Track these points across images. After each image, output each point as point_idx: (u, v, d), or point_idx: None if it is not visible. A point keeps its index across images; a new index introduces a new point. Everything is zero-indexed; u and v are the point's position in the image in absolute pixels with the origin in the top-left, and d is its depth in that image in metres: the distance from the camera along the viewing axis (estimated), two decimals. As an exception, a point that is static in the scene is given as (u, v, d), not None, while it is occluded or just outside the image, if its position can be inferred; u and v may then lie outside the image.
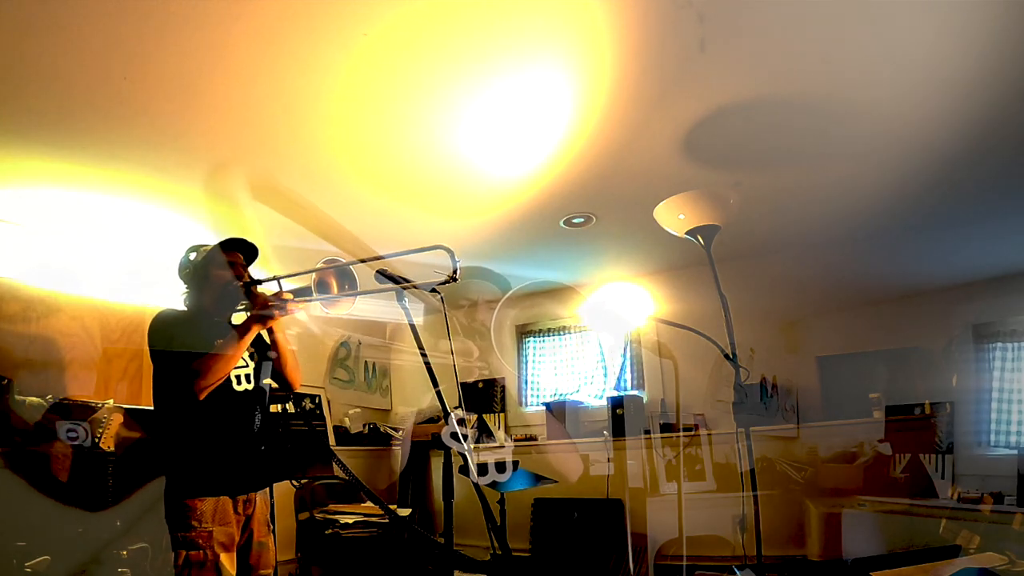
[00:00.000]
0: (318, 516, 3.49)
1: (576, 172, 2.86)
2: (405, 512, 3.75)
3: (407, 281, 1.74)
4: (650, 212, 2.73)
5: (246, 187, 2.48)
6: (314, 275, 1.95)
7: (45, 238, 3.20)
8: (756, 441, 4.17)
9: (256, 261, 2.16)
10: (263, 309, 1.94)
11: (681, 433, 4.18)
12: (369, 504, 3.65)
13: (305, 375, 2.29)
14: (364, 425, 5.01)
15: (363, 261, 1.90)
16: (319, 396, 4.74)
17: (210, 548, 1.85)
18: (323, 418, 4.60)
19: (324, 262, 1.99)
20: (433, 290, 1.68)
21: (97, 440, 2.88)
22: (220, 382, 1.89)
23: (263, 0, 1.76)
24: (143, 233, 3.28)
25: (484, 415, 5.16)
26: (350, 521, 3.45)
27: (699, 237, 2.69)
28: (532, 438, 4.82)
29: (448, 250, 1.60)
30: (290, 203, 2.74)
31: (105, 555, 2.69)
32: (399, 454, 5.01)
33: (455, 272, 1.60)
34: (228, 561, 1.88)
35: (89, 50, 1.91)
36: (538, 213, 3.33)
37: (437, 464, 4.90)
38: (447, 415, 1.71)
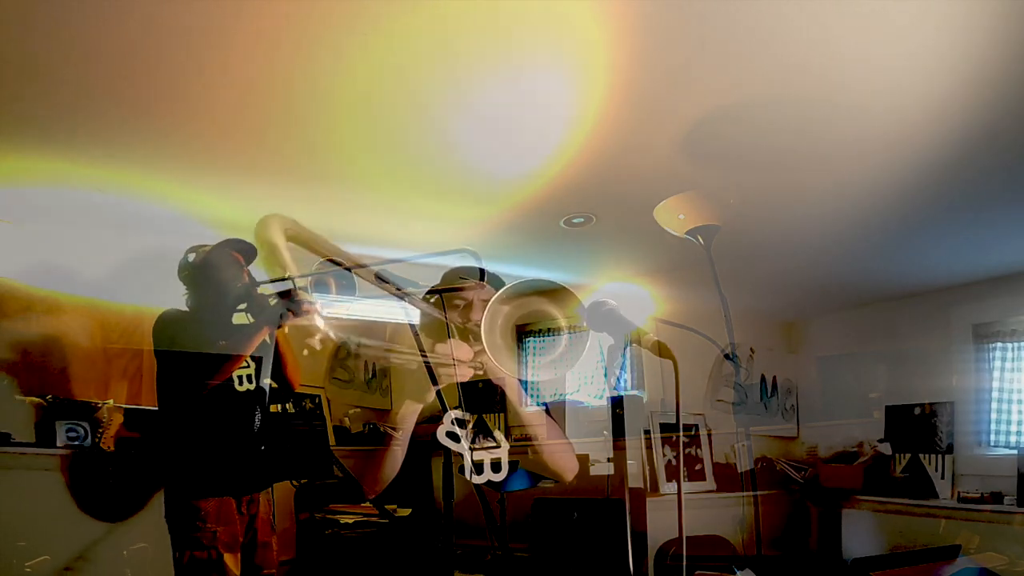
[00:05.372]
0: (318, 516, 3.49)
1: (575, 172, 2.86)
2: (405, 512, 3.74)
3: (407, 283, 1.73)
4: (650, 212, 2.72)
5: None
6: (310, 278, 1.93)
7: (45, 238, 3.20)
8: (756, 441, 4.18)
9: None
10: (277, 310, 1.92)
11: (681, 433, 4.19)
12: (369, 504, 3.65)
13: (305, 375, 2.28)
14: (364, 425, 5.00)
15: (362, 266, 1.86)
16: (319, 396, 4.73)
17: (214, 548, 1.85)
18: (323, 418, 4.60)
19: (322, 263, 1.98)
20: (432, 291, 1.67)
21: (97, 440, 2.89)
22: (223, 380, 1.89)
23: (265, 0, 1.76)
24: (143, 233, 3.28)
25: (484, 415, 5.15)
26: (350, 521, 3.45)
27: (699, 237, 2.69)
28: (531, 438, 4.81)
29: (473, 253, 1.57)
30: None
31: (105, 555, 2.69)
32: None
33: (483, 275, 1.57)
34: (232, 561, 1.88)
35: (89, 49, 1.91)
36: (537, 213, 3.32)
37: (438, 464, 4.90)
38: (446, 414, 1.71)
